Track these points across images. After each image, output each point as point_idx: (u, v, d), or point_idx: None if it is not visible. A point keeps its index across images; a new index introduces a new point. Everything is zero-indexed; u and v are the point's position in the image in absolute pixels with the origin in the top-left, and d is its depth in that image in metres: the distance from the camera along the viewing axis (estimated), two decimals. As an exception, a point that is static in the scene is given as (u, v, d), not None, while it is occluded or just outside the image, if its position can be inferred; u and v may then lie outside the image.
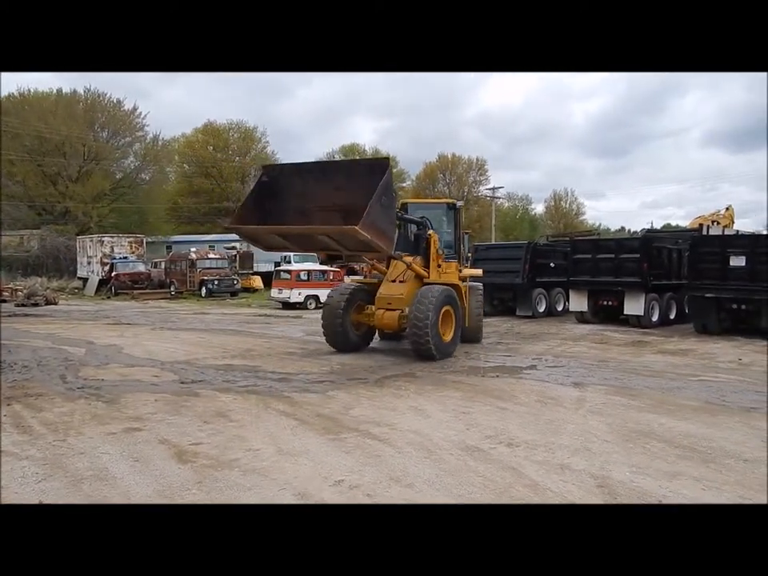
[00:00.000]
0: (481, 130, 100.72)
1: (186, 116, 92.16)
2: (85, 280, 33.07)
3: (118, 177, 47.34)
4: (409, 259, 10.80)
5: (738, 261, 13.40)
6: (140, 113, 46.95)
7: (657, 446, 5.44)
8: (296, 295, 21.82)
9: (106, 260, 31.83)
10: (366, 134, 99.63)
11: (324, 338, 11.24)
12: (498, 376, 8.87)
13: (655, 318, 15.64)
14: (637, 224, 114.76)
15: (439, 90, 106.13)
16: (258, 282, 31.84)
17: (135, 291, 28.66)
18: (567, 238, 22.89)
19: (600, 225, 70.66)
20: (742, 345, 12.47)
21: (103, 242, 33.00)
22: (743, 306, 13.50)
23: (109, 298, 28.69)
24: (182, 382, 8.21)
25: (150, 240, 39.14)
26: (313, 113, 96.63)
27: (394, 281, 11.02)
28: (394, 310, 10.65)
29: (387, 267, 11.41)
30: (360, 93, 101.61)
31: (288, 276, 22.43)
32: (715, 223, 24.04)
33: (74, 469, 4.76)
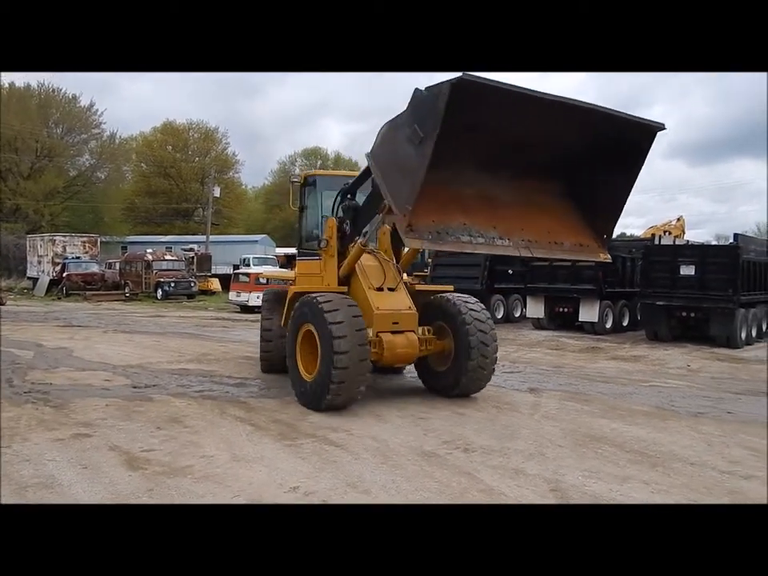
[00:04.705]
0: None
1: (152, 112, 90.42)
2: (35, 280, 31.96)
3: (72, 175, 46.07)
4: (384, 254, 7.80)
5: (687, 270, 13.84)
6: (96, 110, 46.11)
7: (608, 451, 5.56)
8: (254, 299, 21.44)
9: (57, 260, 30.85)
10: (335, 137, 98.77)
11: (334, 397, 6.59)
12: (455, 381, 8.93)
13: (609, 325, 16.01)
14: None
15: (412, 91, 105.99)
16: (215, 284, 31.40)
17: (88, 292, 27.78)
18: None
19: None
20: (691, 351, 12.88)
21: (55, 241, 32.00)
22: (692, 314, 13.95)
23: (60, 298, 27.75)
24: (135, 387, 8.01)
25: (104, 240, 38.26)
26: (283, 114, 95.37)
27: (381, 288, 7.37)
28: (402, 332, 7.16)
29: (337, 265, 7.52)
30: (332, 94, 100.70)
31: (247, 279, 22.13)
32: (667, 233, 24.86)
33: (18, 476, 4.58)
